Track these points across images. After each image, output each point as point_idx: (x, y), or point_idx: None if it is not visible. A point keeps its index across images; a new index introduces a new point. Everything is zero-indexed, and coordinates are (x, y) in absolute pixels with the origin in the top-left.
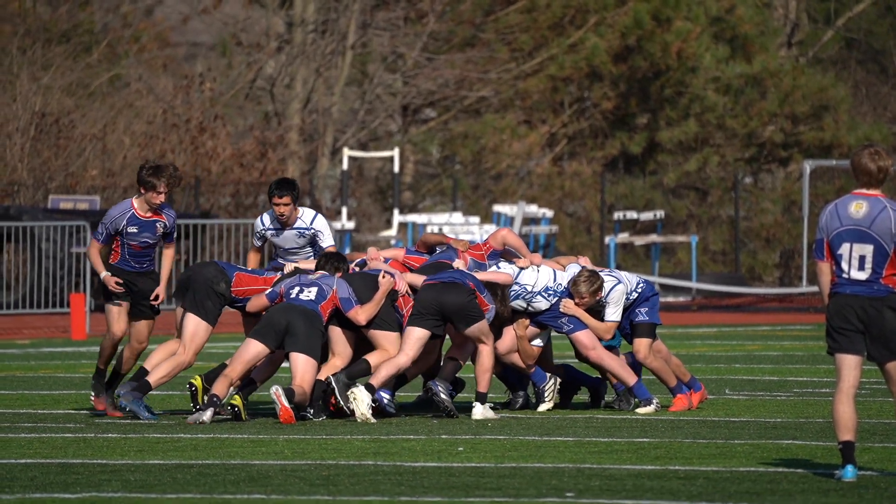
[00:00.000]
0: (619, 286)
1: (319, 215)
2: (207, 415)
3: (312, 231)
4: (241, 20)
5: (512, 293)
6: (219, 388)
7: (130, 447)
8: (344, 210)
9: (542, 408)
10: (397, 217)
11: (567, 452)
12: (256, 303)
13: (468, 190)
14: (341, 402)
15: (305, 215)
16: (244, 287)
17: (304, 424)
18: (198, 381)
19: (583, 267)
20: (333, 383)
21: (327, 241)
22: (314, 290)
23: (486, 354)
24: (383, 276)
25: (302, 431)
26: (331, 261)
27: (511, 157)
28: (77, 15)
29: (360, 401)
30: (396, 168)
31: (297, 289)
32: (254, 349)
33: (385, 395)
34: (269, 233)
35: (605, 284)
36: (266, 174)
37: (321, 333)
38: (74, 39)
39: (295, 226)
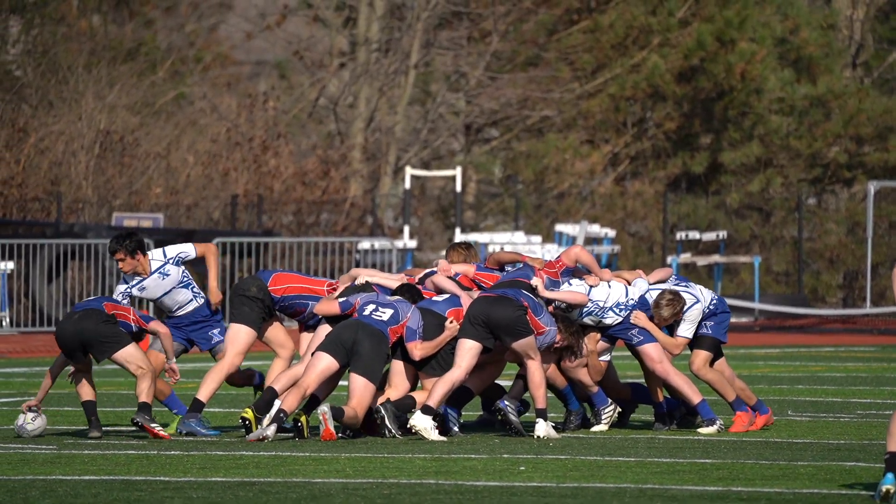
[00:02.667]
0: (697, 305)
1: (165, 248)
2: (271, 430)
3: (171, 261)
4: (305, 39)
5: (584, 309)
6: (289, 402)
7: (193, 464)
8: (406, 229)
9: (597, 429)
10: (459, 236)
11: (629, 472)
12: (327, 307)
13: (530, 209)
14: (388, 431)
15: (155, 256)
16: (283, 285)
17: (366, 442)
18: (249, 414)
19: (664, 290)
20: (382, 411)
21: (191, 254)
22: (389, 311)
23: (535, 370)
24: (451, 322)
25: (363, 450)
26: (410, 291)
27: (573, 177)
28: (142, 34)
29: (424, 429)
30: (459, 187)
31: (371, 306)
32: (324, 362)
33: (452, 413)
34: (135, 290)
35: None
36: (329, 193)
37: (386, 357)
38: (139, 58)
39: (153, 270)
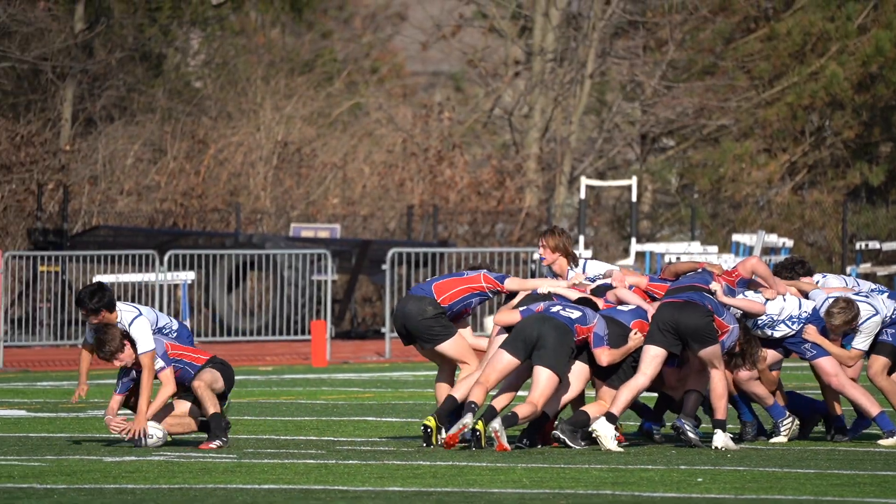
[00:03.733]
0: (875, 318)
1: (126, 309)
2: (468, 418)
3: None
4: (480, 49)
5: (759, 321)
6: (476, 395)
7: (371, 474)
8: (581, 239)
9: (776, 440)
10: (635, 246)
11: (808, 485)
12: (507, 317)
13: (707, 219)
14: (574, 446)
15: (124, 317)
16: (448, 292)
17: (543, 453)
18: (432, 422)
19: (837, 297)
20: (560, 434)
21: (137, 332)
22: (578, 313)
23: (717, 379)
24: (636, 334)
25: (540, 460)
26: (589, 303)
27: (750, 186)
28: (319, 45)
29: (605, 437)
30: (634, 197)
31: (559, 307)
32: (505, 359)
33: (686, 423)
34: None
35: (861, 313)
36: (504, 203)
37: (570, 351)
38: (316, 69)
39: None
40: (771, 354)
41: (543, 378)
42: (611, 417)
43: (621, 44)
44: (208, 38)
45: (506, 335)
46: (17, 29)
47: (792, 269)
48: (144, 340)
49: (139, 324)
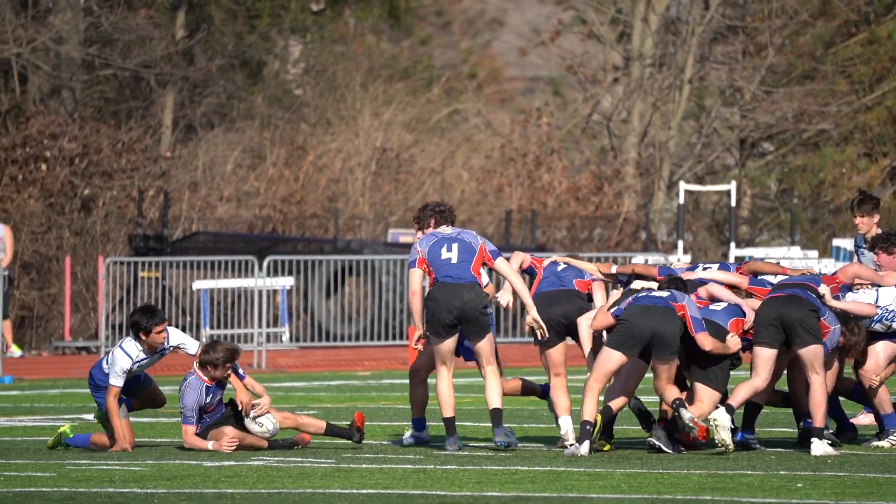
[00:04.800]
0: None
1: (170, 330)
2: (584, 448)
3: (172, 348)
4: (579, 55)
5: (879, 317)
6: (588, 410)
7: (469, 479)
8: (680, 244)
9: (876, 444)
10: (734, 251)
11: None
12: (603, 321)
13: (806, 224)
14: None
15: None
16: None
17: (641, 458)
18: (599, 418)
19: None
20: (656, 441)
21: (192, 349)
22: (666, 294)
23: (817, 386)
24: (732, 337)
25: (639, 465)
26: (676, 282)
27: (850, 191)
28: (417, 52)
29: (722, 427)
30: (733, 202)
31: (646, 294)
32: (616, 359)
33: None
34: (136, 367)
35: None
36: (602, 208)
37: (681, 328)
38: (415, 76)
39: (160, 349)
40: (891, 347)
41: (668, 372)
42: (729, 409)
43: (720, 49)
44: (307, 45)
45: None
46: (119, 37)
47: (888, 240)
48: (189, 341)
49: (177, 335)
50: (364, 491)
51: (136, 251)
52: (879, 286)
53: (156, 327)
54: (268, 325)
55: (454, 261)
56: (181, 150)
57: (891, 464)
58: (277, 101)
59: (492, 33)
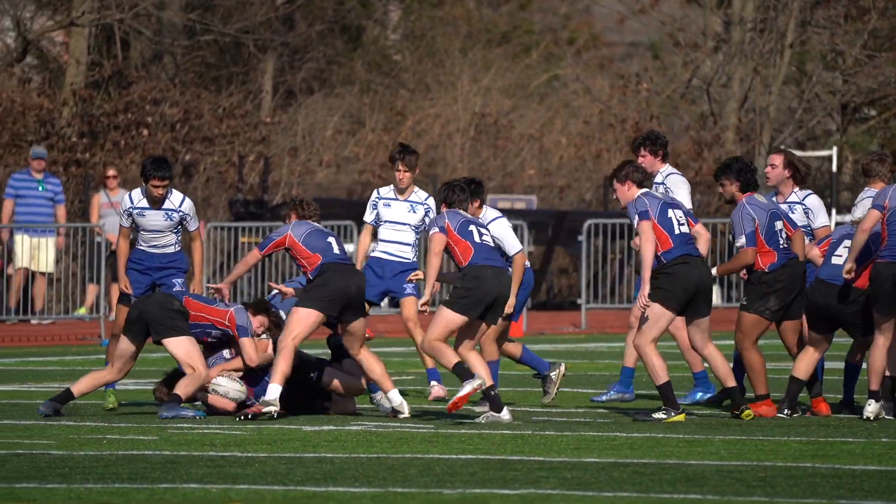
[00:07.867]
0: None
1: (187, 198)
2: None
3: (180, 214)
4: (679, 20)
5: None
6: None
7: (567, 445)
8: None
9: None
10: (835, 217)
11: None
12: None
13: None
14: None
15: (174, 197)
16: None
17: (741, 425)
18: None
19: None
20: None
21: (193, 225)
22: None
23: (879, 348)
24: None
25: (738, 432)
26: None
27: None
28: (517, 17)
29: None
30: (835, 167)
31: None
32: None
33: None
34: (135, 212)
35: None
36: (701, 174)
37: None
38: (514, 41)
39: (163, 207)
40: None
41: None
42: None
43: (822, 13)
44: (407, 11)
45: None
46: (220, 2)
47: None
48: (193, 217)
49: (188, 205)
50: (463, 456)
51: (236, 216)
52: None
53: (154, 177)
54: None
55: (492, 245)
56: (281, 115)
57: None
58: (377, 67)
59: None
